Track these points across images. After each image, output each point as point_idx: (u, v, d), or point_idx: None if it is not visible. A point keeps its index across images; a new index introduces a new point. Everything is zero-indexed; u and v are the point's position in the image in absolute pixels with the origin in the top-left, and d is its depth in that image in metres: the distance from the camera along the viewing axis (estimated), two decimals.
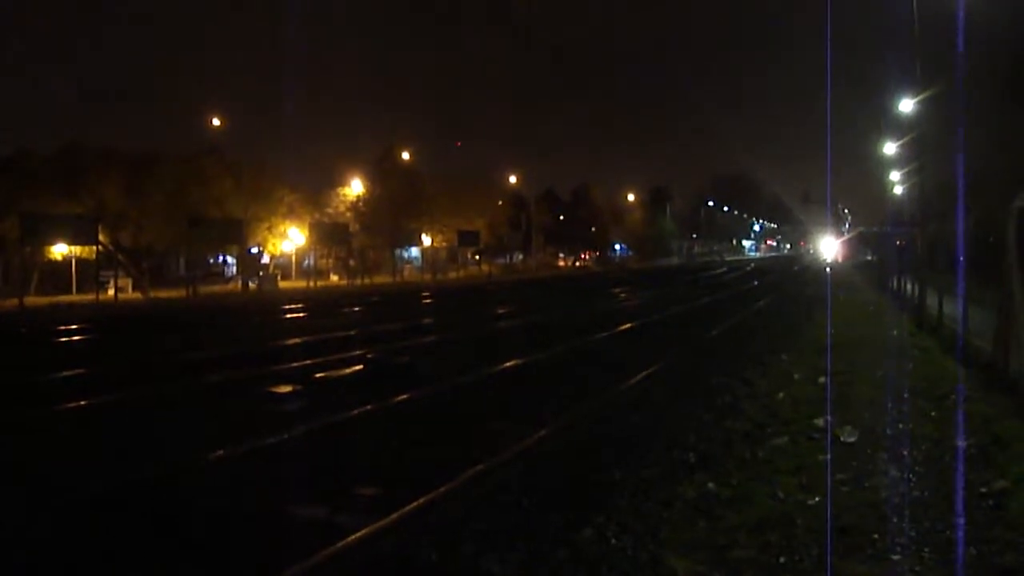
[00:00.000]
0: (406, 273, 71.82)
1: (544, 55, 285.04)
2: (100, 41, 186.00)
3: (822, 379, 13.72)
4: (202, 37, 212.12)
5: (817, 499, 7.52)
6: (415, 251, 78.49)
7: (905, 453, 8.99)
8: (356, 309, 36.98)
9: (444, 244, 78.24)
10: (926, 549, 6.31)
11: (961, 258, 16.44)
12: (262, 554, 6.90)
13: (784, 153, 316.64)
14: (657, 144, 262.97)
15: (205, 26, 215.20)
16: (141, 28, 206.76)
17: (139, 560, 6.97)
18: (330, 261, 69.43)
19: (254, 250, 61.19)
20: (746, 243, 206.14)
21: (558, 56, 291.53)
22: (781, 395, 12.79)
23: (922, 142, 30.77)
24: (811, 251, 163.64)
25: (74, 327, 28.47)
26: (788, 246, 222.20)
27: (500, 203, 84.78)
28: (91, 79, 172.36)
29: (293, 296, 46.69)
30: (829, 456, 8.89)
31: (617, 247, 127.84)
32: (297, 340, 22.54)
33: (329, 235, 60.20)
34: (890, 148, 42.55)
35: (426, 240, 73.81)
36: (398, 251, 70.59)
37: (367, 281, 60.28)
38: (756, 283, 56.09)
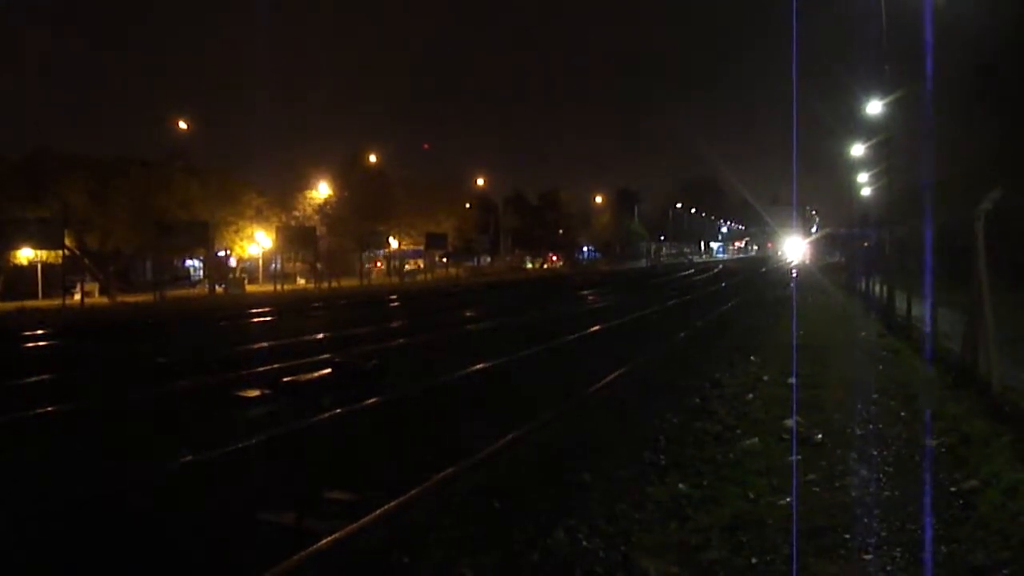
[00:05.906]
0: (373, 276, 71.42)
1: (513, 60, 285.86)
2: (66, 46, 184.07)
3: (791, 380, 13.74)
4: (170, 42, 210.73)
5: (788, 500, 7.50)
6: (382, 254, 78.10)
7: (875, 453, 9.01)
8: (323, 313, 36.75)
9: (412, 247, 77.90)
10: (897, 548, 6.31)
11: (928, 260, 16.52)
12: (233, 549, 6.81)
13: (753, 156, 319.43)
14: (625, 147, 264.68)
15: (172, 31, 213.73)
16: (109, 32, 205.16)
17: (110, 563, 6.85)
18: (297, 264, 68.87)
19: (221, 254, 60.68)
20: (714, 245, 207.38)
21: (527, 61, 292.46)
22: (750, 396, 12.81)
23: (890, 144, 31.03)
24: (779, 253, 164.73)
25: (40, 332, 28.05)
26: (756, 248, 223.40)
27: (468, 206, 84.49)
28: (57, 85, 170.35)
29: (260, 300, 46.32)
30: (797, 457, 8.89)
31: (585, 250, 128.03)
32: (264, 344, 22.48)
33: (296, 238, 59.65)
34: (858, 150, 42.87)
35: (394, 243, 73.49)
36: (366, 254, 70.17)
37: (334, 284, 59.88)
38: (724, 284, 56.34)
